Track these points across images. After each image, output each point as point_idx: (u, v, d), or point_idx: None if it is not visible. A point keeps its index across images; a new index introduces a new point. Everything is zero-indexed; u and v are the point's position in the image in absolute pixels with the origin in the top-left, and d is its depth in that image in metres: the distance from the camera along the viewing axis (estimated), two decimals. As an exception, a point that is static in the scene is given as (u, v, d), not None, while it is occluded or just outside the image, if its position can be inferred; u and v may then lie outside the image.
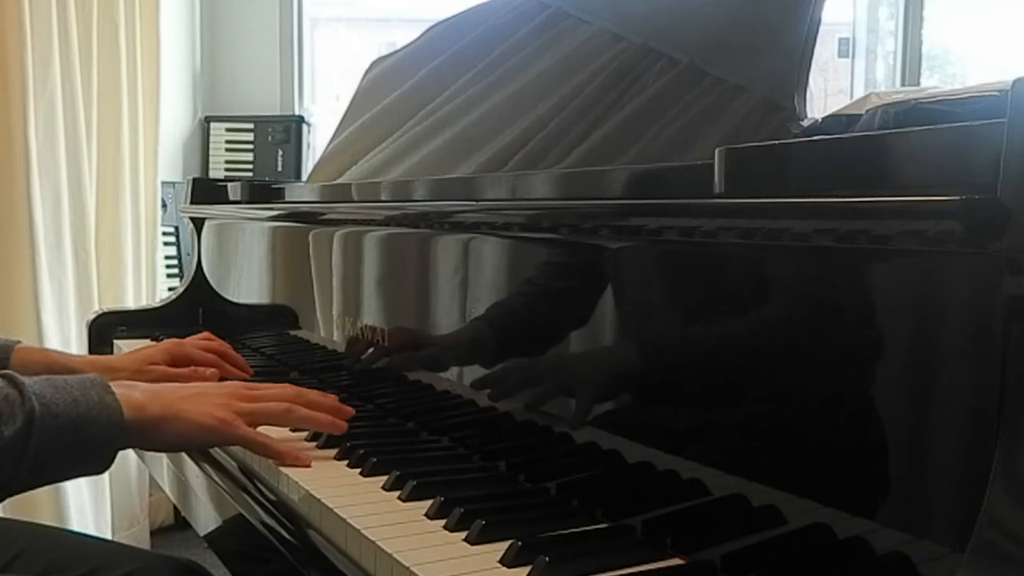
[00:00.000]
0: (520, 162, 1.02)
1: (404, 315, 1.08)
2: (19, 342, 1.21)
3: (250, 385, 0.97)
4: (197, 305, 1.74)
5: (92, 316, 1.71)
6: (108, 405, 0.82)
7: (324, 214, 1.28)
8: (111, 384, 0.85)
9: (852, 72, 3.44)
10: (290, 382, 1.03)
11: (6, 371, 0.81)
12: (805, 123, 0.73)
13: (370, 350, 1.13)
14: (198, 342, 1.28)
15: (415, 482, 0.80)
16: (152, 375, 1.17)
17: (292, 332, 1.37)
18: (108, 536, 2.27)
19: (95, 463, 0.83)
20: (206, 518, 1.09)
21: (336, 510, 0.76)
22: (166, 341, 1.29)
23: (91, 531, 2.23)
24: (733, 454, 0.65)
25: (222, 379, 1.25)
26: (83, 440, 0.80)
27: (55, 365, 1.17)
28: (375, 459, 0.87)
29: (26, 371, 0.87)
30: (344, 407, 0.97)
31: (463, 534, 0.70)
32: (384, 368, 1.11)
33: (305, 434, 0.98)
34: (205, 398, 0.91)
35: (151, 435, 0.87)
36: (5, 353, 1.16)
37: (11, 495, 0.81)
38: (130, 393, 0.86)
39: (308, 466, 0.89)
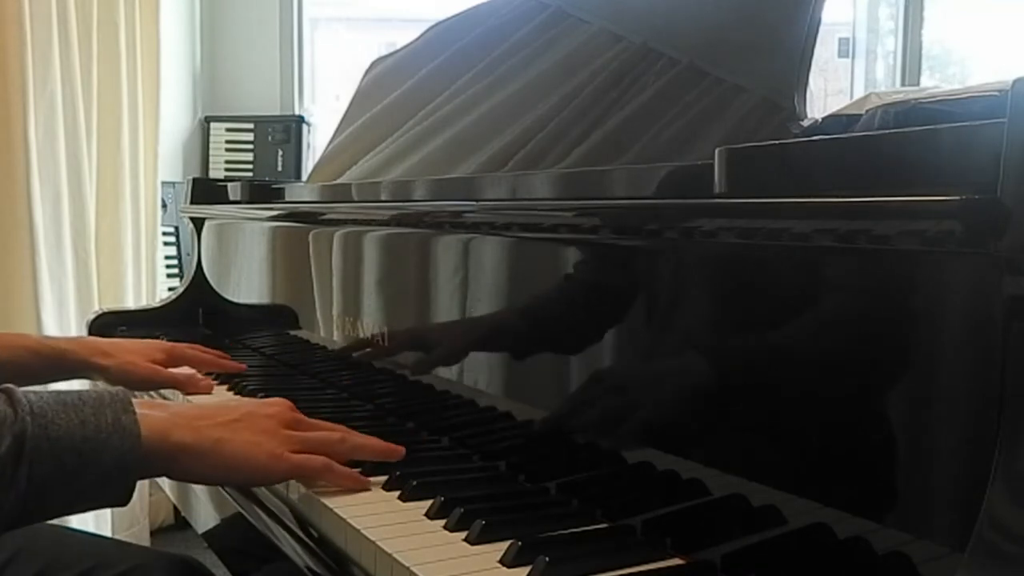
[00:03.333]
0: (520, 162, 1.02)
1: (404, 315, 1.08)
2: None
3: (295, 415, 0.84)
4: (197, 305, 1.74)
5: (92, 316, 1.71)
6: (123, 427, 0.70)
7: (324, 214, 1.28)
8: (135, 402, 0.73)
9: (852, 72, 3.44)
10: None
11: (7, 385, 0.70)
12: (805, 123, 0.73)
13: (370, 350, 1.13)
14: (194, 346, 1.28)
15: (415, 482, 0.80)
16: (137, 374, 1.15)
17: (292, 332, 1.37)
18: (108, 535, 2.27)
19: (107, 495, 0.71)
20: (206, 517, 1.09)
21: (336, 510, 0.76)
22: (164, 342, 1.29)
23: (91, 530, 2.23)
24: (733, 454, 0.65)
25: (216, 376, 1.26)
26: (88, 467, 0.68)
27: (42, 350, 1.14)
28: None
29: None
30: (394, 447, 0.87)
31: (463, 534, 0.70)
32: (384, 368, 1.10)
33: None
34: (248, 422, 0.79)
35: (179, 465, 0.75)
36: None
37: (8, 529, 0.68)
38: (154, 415, 0.74)
39: (368, 490, 0.81)
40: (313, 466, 0.80)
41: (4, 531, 0.69)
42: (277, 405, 0.84)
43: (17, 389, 0.70)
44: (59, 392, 0.72)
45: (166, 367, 1.20)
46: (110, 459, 0.69)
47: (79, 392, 0.72)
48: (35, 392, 0.71)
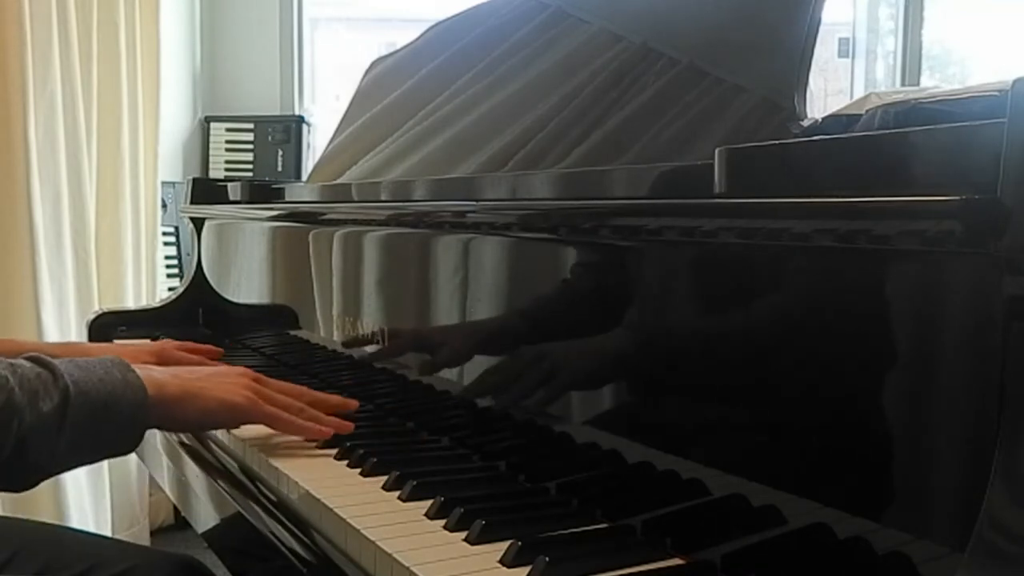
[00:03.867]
0: (520, 162, 1.02)
1: (404, 315, 1.08)
2: None
3: (258, 376, 0.96)
4: (197, 305, 1.74)
5: (92, 316, 1.71)
6: (131, 383, 0.83)
7: (324, 214, 1.28)
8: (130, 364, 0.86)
9: (852, 72, 3.44)
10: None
11: (33, 353, 0.82)
12: (805, 123, 0.73)
13: (370, 350, 1.13)
14: (183, 344, 1.29)
15: (415, 482, 0.80)
16: None
17: (292, 332, 1.37)
18: (108, 535, 2.27)
19: (125, 441, 0.84)
20: (206, 517, 1.09)
21: (336, 510, 0.76)
22: (155, 343, 1.29)
23: (91, 530, 2.23)
24: (733, 454, 0.65)
25: None
26: (112, 418, 0.81)
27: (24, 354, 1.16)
28: (375, 459, 0.87)
29: None
30: (348, 400, 1.00)
31: (463, 534, 0.70)
32: (384, 368, 1.10)
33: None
34: (221, 378, 0.93)
35: (174, 413, 0.88)
36: None
37: (49, 475, 0.81)
38: (149, 372, 0.87)
39: (329, 436, 0.93)
40: (280, 419, 0.93)
41: (45, 478, 0.80)
42: (242, 368, 0.97)
43: (44, 355, 0.82)
44: (68, 359, 0.83)
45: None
46: (127, 411, 0.82)
47: (83, 358, 0.84)
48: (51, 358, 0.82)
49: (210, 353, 1.28)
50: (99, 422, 0.80)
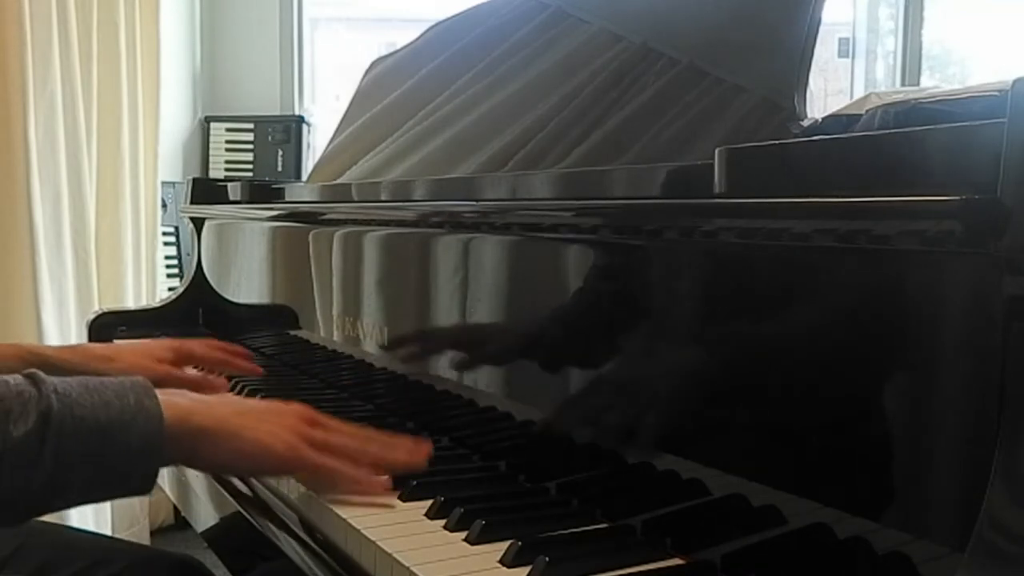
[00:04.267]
0: (520, 162, 1.02)
1: (404, 315, 1.08)
2: None
3: (316, 418, 0.82)
4: (197, 305, 1.74)
5: (92, 316, 1.71)
6: (147, 409, 0.70)
7: (324, 214, 1.28)
8: (155, 389, 0.73)
9: (852, 72, 3.44)
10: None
11: (31, 370, 0.70)
12: (805, 123, 0.73)
13: (370, 350, 1.13)
14: (208, 342, 1.23)
15: (415, 482, 0.80)
16: (153, 373, 1.05)
17: (292, 332, 1.37)
18: (108, 534, 2.27)
19: (131, 479, 0.70)
20: (206, 517, 1.09)
21: (335, 509, 0.76)
22: (172, 340, 1.23)
23: (91, 529, 2.23)
24: (733, 454, 0.65)
25: (233, 379, 1.21)
26: (114, 449, 0.68)
27: (32, 360, 1.02)
28: (375, 459, 0.87)
29: None
30: (423, 442, 0.86)
31: (463, 534, 0.70)
32: (384, 368, 1.10)
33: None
34: (269, 416, 0.78)
35: (199, 451, 0.74)
36: None
37: (30, 515, 0.69)
38: (175, 399, 0.74)
39: (387, 488, 0.79)
40: (327, 467, 0.78)
41: (26, 517, 0.68)
42: (298, 405, 0.82)
43: (40, 372, 0.70)
44: (81, 376, 0.71)
45: (176, 366, 1.12)
46: (135, 441, 0.69)
47: (100, 378, 0.72)
48: (58, 377, 0.70)
49: (236, 353, 1.21)
50: (92, 453, 0.67)
